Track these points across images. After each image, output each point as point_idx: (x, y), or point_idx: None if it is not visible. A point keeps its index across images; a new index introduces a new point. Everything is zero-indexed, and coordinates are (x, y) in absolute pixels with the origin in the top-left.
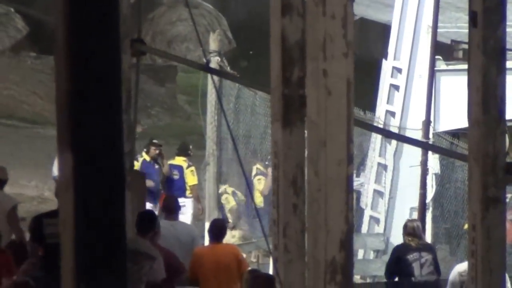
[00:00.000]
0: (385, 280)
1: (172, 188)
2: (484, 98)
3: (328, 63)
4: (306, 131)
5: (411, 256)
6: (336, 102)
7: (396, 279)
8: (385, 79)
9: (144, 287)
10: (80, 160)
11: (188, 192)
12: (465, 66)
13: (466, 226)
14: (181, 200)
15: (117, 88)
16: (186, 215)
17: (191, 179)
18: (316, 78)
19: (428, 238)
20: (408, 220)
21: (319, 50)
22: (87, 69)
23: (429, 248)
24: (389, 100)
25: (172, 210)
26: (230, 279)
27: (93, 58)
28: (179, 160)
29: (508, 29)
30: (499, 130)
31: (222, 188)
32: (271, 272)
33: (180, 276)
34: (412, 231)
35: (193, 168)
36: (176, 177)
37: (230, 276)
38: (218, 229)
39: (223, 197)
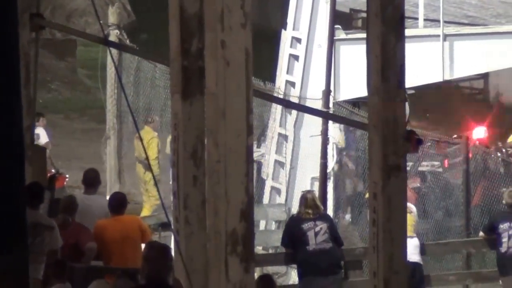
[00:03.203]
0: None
1: None
2: (383, 66)
3: (226, 34)
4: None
5: (305, 225)
6: (235, 73)
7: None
8: (285, 49)
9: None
10: None
11: None
12: (364, 35)
13: (367, 195)
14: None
15: (16, 63)
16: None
17: None
18: (215, 49)
19: (330, 207)
20: (304, 192)
21: (217, 21)
22: None
23: (325, 217)
24: (289, 70)
25: (90, 184)
26: (134, 249)
27: None
28: None
29: None
30: (398, 98)
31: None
32: (172, 246)
33: (91, 249)
34: (308, 202)
35: None
36: None
37: (134, 246)
38: (118, 202)
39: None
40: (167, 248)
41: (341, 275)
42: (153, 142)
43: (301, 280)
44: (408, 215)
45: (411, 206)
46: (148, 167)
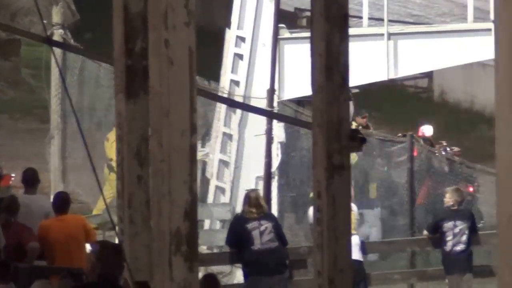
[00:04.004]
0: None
1: None
2: (327, 65)
3: (170, 33)
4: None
5: (250, 225)
6: (178, 72)
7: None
8: (229, 49)
9: None
10: None
11: None
12: (309, 34)
13: (311, 194)
14: None
15: None
16: None
17: None
18: (158, 48)
19: (274, 206)
20: (248, 190)
21: (161, 20)
22: None
23: (269, 216)
24: (233, 70)
25: (30, 183)
26: (78, 248)
27: None
28: None
29: None
30: (342, 97)
31: None
32: None
33: (33, 249)
34: (251, 200)
35: None
36: None
37: (78, 246)
38: (62, 201)
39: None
40: (120, 248)
41: (287, 274)
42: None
43: (246, 280)
44: None
45: (351, 205)
46: (113, 168)
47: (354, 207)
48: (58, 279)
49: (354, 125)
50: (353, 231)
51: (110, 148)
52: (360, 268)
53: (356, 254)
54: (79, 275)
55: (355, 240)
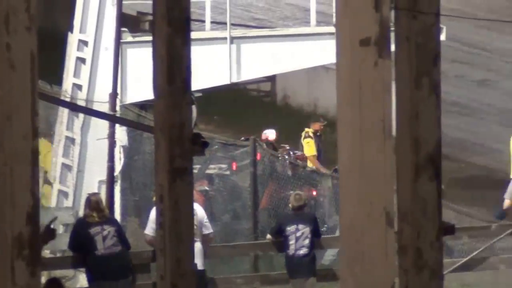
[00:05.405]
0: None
1: None
2: (169, 69)
3: (11, 37)
4: None
5: (92, 230)
6: (20, 76)
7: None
8: (71, 52)
9: None
10: None
11: None
12: (151, 38)
13: (155, 198)
14: None
15: None
16: None
17: None
18: (0, 53)
19: (117, 210)
20: (89, 194)
21: (2, 23)
22: None
23: (112, 221)
24: (75, 73)
25: None
26: None
27: None
28: None
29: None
30: (184, 101)
31: None
32: None
33: None
34: (92, 204)
35: None
36: None
37: None
38: None
39: None
40: None
41: (132, 278)
42: (49, 155)
43: (91, 284)
44: None
45: (199, 208)
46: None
47: (201, 210)
48: None
49: (310, 130)
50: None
51: (44, 160)
52: (201, 277)
53: (198, 262)
54: None
55: (198, 246)
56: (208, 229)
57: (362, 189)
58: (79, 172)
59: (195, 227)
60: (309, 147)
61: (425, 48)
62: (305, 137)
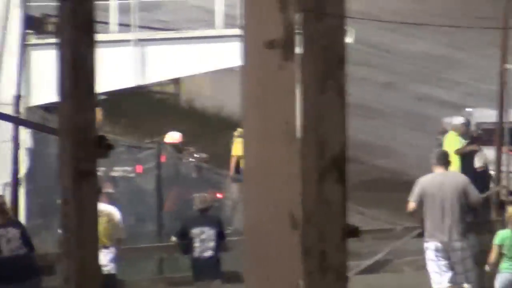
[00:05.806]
0: None
1: None
2: (74, 71)
3: None
4: None
5: None
6: None
7: None
8: None
9: None
10: None
11: None
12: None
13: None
14: None
15: None
16: None
17: None
18: None
19: (22, 213)
20: None
21: None
22: None
23: (16, 223)
24: None
25: None
26: None
27: None
28: None
29: (98, 2)
30: (89, 103)
31: None
32: None
33: None
34: None
35: None
36: None
37: None
38: None
39: None
40: None
41: (38, 280)
42: None
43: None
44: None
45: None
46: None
47: (118, 213)
48: None
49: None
50: (109, 242)
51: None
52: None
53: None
54: None
55: (113, 250)
56: (124, 233)
57: (266, 191)
58: None
59: (113, 231)
60: (239, 147)
61: (330, 51)
62: (238, 136)
